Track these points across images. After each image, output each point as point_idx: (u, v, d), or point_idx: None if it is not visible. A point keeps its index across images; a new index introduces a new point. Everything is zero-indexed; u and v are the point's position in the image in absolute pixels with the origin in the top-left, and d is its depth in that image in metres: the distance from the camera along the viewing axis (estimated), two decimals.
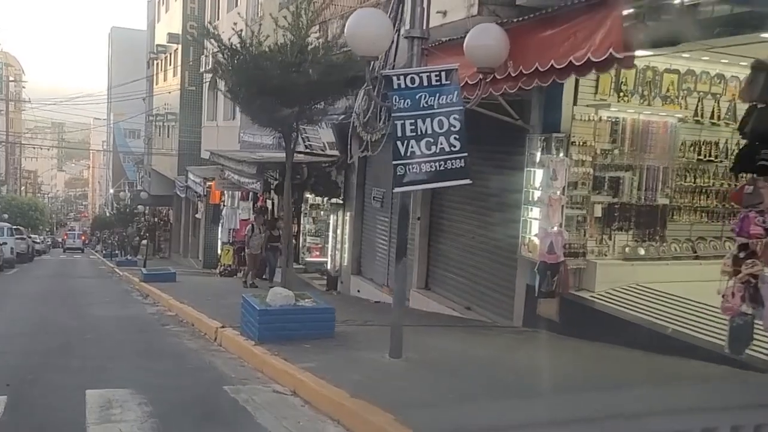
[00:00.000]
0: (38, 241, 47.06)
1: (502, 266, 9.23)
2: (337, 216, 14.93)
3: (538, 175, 8.16)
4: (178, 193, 23.69)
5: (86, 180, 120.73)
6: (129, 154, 71.00)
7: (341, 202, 14.79)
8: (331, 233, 15.30)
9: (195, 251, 33.20)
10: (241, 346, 7.22)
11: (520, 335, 7.97)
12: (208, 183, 20.36)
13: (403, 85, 5.71)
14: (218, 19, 21.72)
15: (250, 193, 20.07)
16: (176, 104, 29.77)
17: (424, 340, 6.51)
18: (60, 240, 68.89)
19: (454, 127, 5.77)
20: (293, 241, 17.98)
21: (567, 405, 4.14)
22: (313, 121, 7.15)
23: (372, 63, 5.83)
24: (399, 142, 5.76)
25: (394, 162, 5.78)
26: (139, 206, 34.79)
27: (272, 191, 18.91)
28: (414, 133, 5.75)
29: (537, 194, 8.14)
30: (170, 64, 32.04)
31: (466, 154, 5.84)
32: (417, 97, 5.73)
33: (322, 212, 18.50)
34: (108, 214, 56.86)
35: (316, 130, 15.03)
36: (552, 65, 5.46)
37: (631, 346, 7.01)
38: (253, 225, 14.78)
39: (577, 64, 5.47)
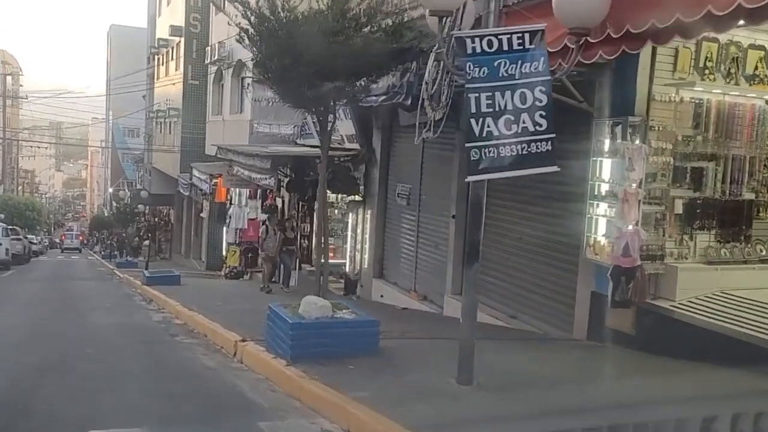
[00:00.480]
0: (35, 241, 45.92)
1: (557, 270, 8.15)
2: (356, 214, 13.85)
3: (607, 165, 7.09)
4: (182, 191, 22.61)
5: (84, 180, 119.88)
6: (128, 153, 70.14)
7: (361, 199, 13.70)
8: (349, 233, 14.21)
9: (197, 252, 32.11)
10: (269, 365, 6.14)
11: (593, 351, 6.90)
12: (214, 180, 19.29)
13: (478, 50, 4.64)
14: None
15: (258, 191, 19.00)
16: (179, 99, 28.68)
17: (486, 358, 5.44)
18: (58, 240, 68.16)
19: (540, 101, 4.70)
20: (305, 241, 16.92)
21: None
22: (354, 100, 6.08)
23: (444, 20, 4.75)
24: (473, 120, 4.68)
25: (468, 144, 4.71)
26: (139, 206, 33.63)
27: (283, 189, 17.88)
28: (491, 109, 4.68)
29: (605, 188, 7.07)
30: (172, 58, 30.94)
31: (553, 135, 4.77)
32: (495, 64, 4.66)
33: (336, 210, 17.39)
34: (107, 214, 55.68)
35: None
36: (678, 18, 4.34)
37: (727, 364, 5.94)
38: (267, 226, 13.68)
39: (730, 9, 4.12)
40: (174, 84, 30.03)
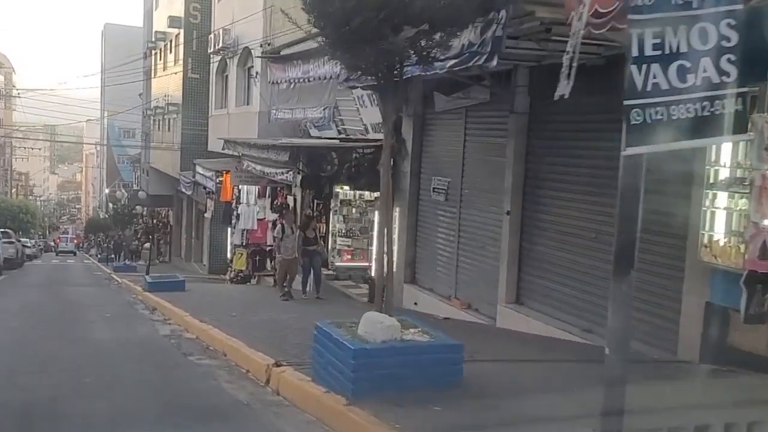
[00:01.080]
0: (29, 245, 44.39)
1: (651, 276, 6.75)
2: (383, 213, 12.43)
3: (726, 146, 5.72)
4: (183, 190, 21.18)
5: (79, 183, 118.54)
6: (124, 154, 68.62)
7: None
8: (375, 233, 12.78)
9: (198, 255, 30.67)
10: (322, 403, 4.74)
11: (732, 379, 5.50)
12: (220, 177, 17.88)
13: None
14: None
15: (267, 189, 17.59)
16: (178, 94, 27.24)
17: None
18: (52, 244, 66.70)
19: (728, 41, 3.32)
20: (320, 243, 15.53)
21: None
22: (426, 59, 4.67)
23: None
24: (634, 68, 3.30)
25: (627, 102, 3.32)
26: (137, 207, 32.13)
27: (295, 186, 16.49)
28: (659, 52, 3.30)
29: (731, 173, 5.70)
30: (170, 51, 29.50)
31: (745, 90, 3.40)
32: None
33: (353, 209, 16.04)
34: (102, 216, 54.14)
35: (355, 110, 12.58)
36: None
37: None
38: (282, 225, 12.28)
39: None
40: (173, 78, 28.59)
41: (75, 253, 55.58)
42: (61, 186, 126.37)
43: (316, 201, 15.45)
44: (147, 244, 16.88)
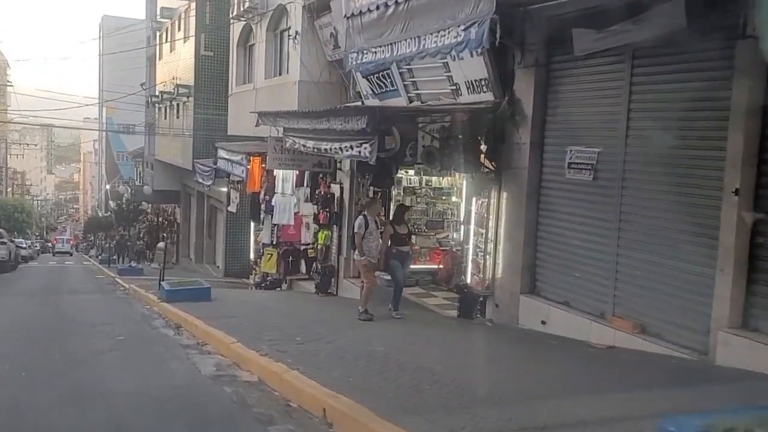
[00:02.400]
0: (24, 246, 41.26)
1: None
2: (484, 199, 9.40)
3: None
4: (201, 180, 18.03)
5: (77, 183, 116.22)
6: (124, 150, 65.57)
7: (490, 176, 9.25)
8: (472, 227, 9.75)
9: (211, 256, 27.63)
10: None
11: None
12: (247, 163, 14.78)
13: None
14: None
15: (306, 176, 14.54)
16: (189, 75, 24.13)
17: None
18: (50, 245, 63.86)
19: None
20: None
21: None
22: None
23: None
24: None
25: None
26: (142, 203, 29.00)
27: (341, 172, 13.46)
28: None
29: None
30: (179, 29, 26.41)
31: None
32: None
33: (417, 198, 13.03)
34: (102, 215, 51.03)
35: (437, 66, 9.51)
36: None
37: None
38: (365, 217, 9.23)
39: None
40: (182, 59, 25.52)
41: (71, 254, 54.00)
42: (59, 186, 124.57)
43: (374, 189, 12.43)
44: (160, 244, 13.81)
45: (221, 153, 15.03)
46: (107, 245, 36.29)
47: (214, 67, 22.95)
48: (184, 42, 25.53)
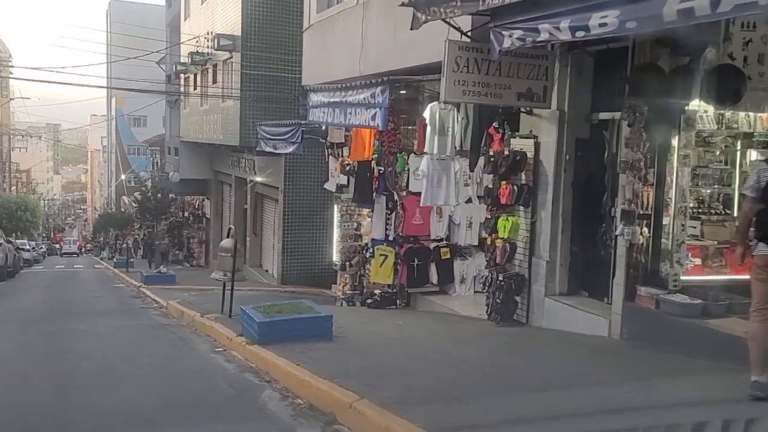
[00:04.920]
0: (28, 248, 35.94)
1: None
2: None
3: None
4: (275, 149, 12.26)
5: (84, 184, 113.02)
6: (135, 143, 60.51)
7: None
8: None
9: (256, 258, 22.14)
10: None
11: None
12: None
13: None
14: None
15: (467, 128, 8.98)
16: (233, 23, 18.52)
17: None
18: (57, 246, 59.79)
19: None
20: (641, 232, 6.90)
21: None
22: None
23: None
24: None
25: None
26: (170, 195, 23.43)
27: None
28: None
29: None
30: None
31: None
32: None
33: (716, 151, 7.29)
34: (115, 210, 45.62)
35: None
36: None
37: None
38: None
39: None
40: (220, 4, 19.97)
41: (78, 254, 51.83)
42: (66, 187, 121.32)
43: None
44: (226, 243, 8.29)
45: (316, 97, 9.49)
46: (124, 245, 30.80)
47: (266, 14, 17.47)
48: None
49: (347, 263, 13.51)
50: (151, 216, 20.32)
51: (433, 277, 10.86)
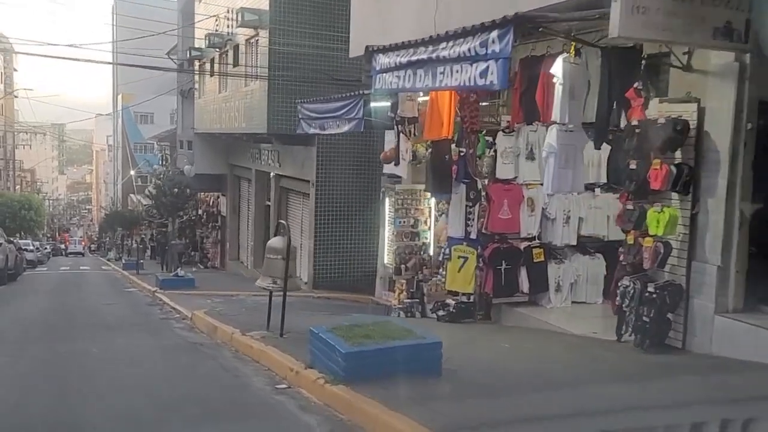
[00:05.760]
0: (31, 248, 33.99)
1: None
2: None
3: None
4: (320, 130, 10.06)
5: (89, 184, 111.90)
6: (141, 142, 58.77)
7: None
8: None
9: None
10: None
11: None
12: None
13: None
14: None
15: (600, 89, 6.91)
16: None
17: None
18: (63, 246, 58.31)
19: None
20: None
21: None
22: None
23: None
24: None
25: None
26: (186, 189, 21.34)
27: None
28: None
29: None
30: None
31: None
32: None
33: None
34: (120, 208, 43.67)
35: None
36: None
37: None
38: None
39: None
40: None
41: (83, 254, 51.77)
42: (71, 187, 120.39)
43: None
44: (275, 242, 6.55)
45: (387, 60, 7.45)
46: (134, 245, 28.75)
47: None
48: None
49: (403, 266, 11.49)
50: (166, 213, 18.25)
51: (524, 284, 8.83)
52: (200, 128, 24.26)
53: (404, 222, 11.46)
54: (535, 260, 8.85)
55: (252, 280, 20.85)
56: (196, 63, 24.27)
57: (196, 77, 24.68)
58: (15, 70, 78.14)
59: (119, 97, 62.25)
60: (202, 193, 27.73)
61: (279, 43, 15.40)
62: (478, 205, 8.75)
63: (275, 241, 7.60)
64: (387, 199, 11.99)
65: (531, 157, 8.72)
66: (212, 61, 21.82)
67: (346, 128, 9.23)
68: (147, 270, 23.50)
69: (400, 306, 10.99)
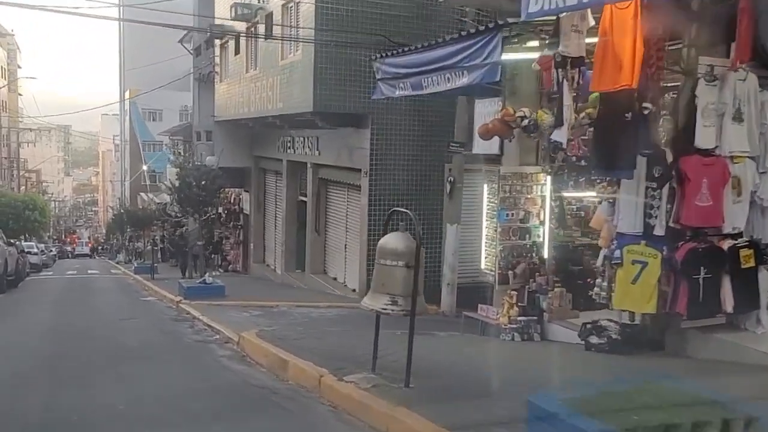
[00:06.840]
0: (35, 251, 31.53)
1: None
2: None
3: None
4: (413, 91, 7.39)
5: (95, 186, 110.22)
6: (150, 140, 56.55)
7: None
8: None
9: (319, 263, 17.32)
10: None
11: None
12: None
13: None
14: None
15: None
16: None
17: None
18: (69, 249, 57.49)
19: None
20: None
21: None
22: None
23: None
24: None
25: None
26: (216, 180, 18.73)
27: None
28: None
29: None
30: None
31: None
32: None
33: None
34: (130, 208, 41.08)
35: None
36: None
37: None
38: None
39: None
40: None
41: (91, 256, 51.32)
42: (77, 189, 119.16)
43: None
44: (395, 240, 4.38)
45: None
46: (147, 247, 26.08)
47: None
48: None
49: (510, 272, 8.83)
50: (192, 208, 15.69)
51: (727, 300, 6.15)
52: (222, 115, 21.62)
53: (512, 215, 8.79)
54: (743, 265, 6.18)
55: (283, 286, 18.28)
56: (217, 42, 21.63)
57: (217, 59, 22.05)
58: (19, 66, 76.25)
59: (126, 93, 59.86)
60: (222, 189, 25.07)
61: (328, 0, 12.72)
62: (666, 186, 6.07)
63: (394, 240, 4.93)
64: (485, 186, 9.33)
65: (738, 117, 6.06)
66: (237, 37, 19.18)
67: (465, 80, 6.47)
68: (161, 274, 20.91)
69: (513, 325, 8.32)
